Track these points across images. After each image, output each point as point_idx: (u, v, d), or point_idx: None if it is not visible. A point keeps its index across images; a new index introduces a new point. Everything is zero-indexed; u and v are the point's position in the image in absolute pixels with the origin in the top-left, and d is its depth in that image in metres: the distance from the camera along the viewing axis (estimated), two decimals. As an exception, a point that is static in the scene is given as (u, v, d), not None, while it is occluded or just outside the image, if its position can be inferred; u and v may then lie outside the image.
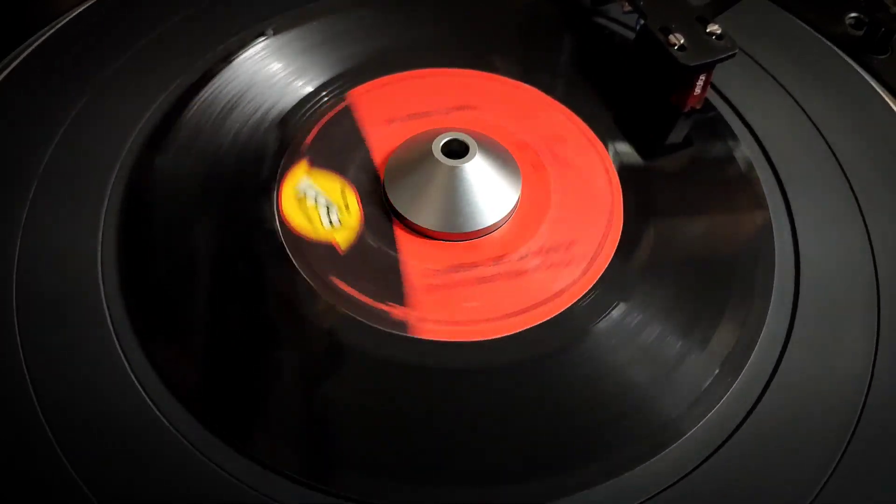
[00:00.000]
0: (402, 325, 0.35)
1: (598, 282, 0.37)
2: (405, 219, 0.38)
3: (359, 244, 0.38)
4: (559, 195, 0.40)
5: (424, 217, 0.38)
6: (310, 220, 0.37)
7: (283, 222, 0.38)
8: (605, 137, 0.42)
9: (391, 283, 0.37)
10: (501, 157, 0.40)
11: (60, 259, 0.37)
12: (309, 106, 0.43)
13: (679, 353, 0.35)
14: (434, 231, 0.38)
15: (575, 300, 0.36)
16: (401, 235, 0.38)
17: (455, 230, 0.38)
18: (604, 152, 0.42)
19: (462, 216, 0.38)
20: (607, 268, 0.37)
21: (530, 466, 0.32)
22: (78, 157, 0.40)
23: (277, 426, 0.33)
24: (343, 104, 0.43)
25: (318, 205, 0.37)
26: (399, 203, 0.38)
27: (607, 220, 0.39)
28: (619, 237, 0.39)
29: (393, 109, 0.43)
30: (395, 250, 0.38)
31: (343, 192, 0.38)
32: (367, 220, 0.38)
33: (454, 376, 0.34)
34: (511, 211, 0.39)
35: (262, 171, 0.40)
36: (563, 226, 0.39)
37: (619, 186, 0.41)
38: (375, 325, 0.35)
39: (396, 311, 0.36)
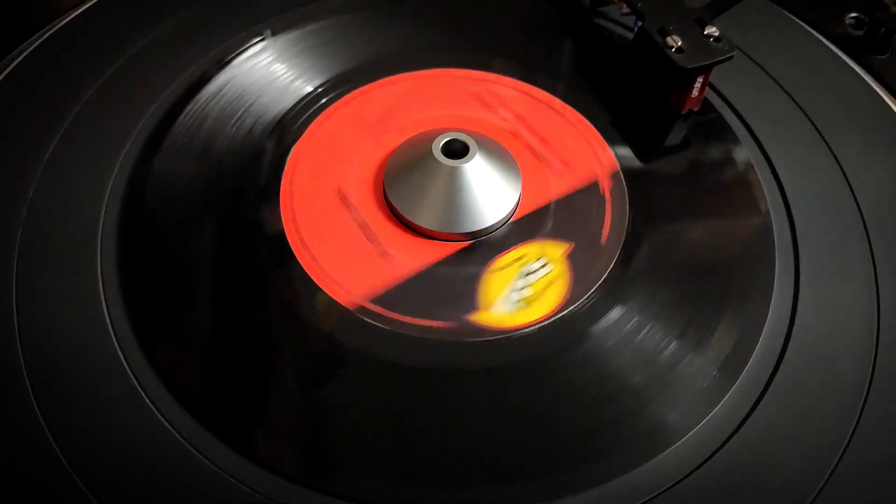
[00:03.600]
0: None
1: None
2: (405, 219, 0.38)
3: (577, 237, 0.39)
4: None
5: (424, 217, 0.38)
6: (557, 276, 0.36)
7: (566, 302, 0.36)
8: (605, 138, 0.42)
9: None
10: (501, 157, 0.40)
11: (60, 260, 0.37)
12: (307, 106, 0.43)
13: (678, 354, 0.35)
14: (434, 231, 0.38)
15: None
16: (556, 215, 0.39)
17: (455, 230, 0.38)
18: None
19: (462, 216, 0.38)
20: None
21: (530, 467, 0.32)
22: (77, 157, 0.40)
23: (277, 427, 0.33)
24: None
25: (535, 273, 0.36)
26: (399, 203, 0.38)
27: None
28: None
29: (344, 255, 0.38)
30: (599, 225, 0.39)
31: (510, 259, 0.37)
32: (531, 230, 0.39)
33: (454, 376, 0.34)
34: (511, 211, 0.39)
35: (261, 172, 0.40)
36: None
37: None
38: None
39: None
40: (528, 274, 0.37)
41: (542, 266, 0.37)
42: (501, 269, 0.37)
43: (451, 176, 0.38)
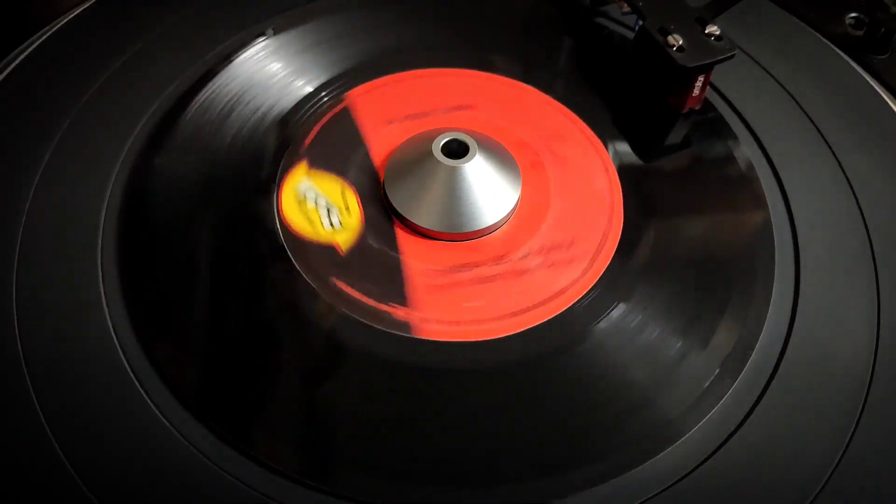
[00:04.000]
0: (404, 325, 0.35)
1: (598, 282, 0.37)
2: (405, 219, 0.38)
3: (360, 246, 0.38)
4: (559, 195, 0.40)
5: (424, 217, 0.38)
6: (311, 221, 0.37)
7: (283, 224, 0.38)
8: (605, 137, 0.42)
9: (393, 284, 0.37)
10: (501, 157, 0.40)
11: (60, 259, 0.37)
12: (309, 106, 0.43)
13: (679, 353, 0.35)
14: (434, 231, 0.38)
15: (575, 300, 0.36)
16: (402, 236, 0.38)
17: (455, 230, 0.38)
18: (604, 152, 0.42)
19: (462, 216, 0.38)
20: (607, 268, 0.38)
21: (530, 466, 0.32)
22: (78, 157, 0.40)
23: (277, 426, 0.33)
24: (342, 105, 0.43)
25: (318, 207, 0.37)
26: (399, 203, 0.38)
27: (607, 220, 0.39)
28: (619, 237, 0.39)
29: (391, 110, 0.43)
30: (397, 251, 0.38)
31: (343, 194, 0.38)
32: (368, 221, 0.38)
33: (454, 376, 0.34)
34: (511, 211, 0.39)
35: (262, 171, 0.40)
36: (563, 226, 0.39)
37: (620, 186, 0.41)
38: (376, 326, 0.35)
39: (399, 312, 0.36)
40: (327, 208, 0.37)
41: (335, 214, 0.37)
42: (342, 195, 0.38)
43: (451, 176, 0.38)
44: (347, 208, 0.37)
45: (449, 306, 0.36)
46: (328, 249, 0.37)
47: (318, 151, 0.41)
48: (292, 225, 0.37)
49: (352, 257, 0.37)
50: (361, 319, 0.35)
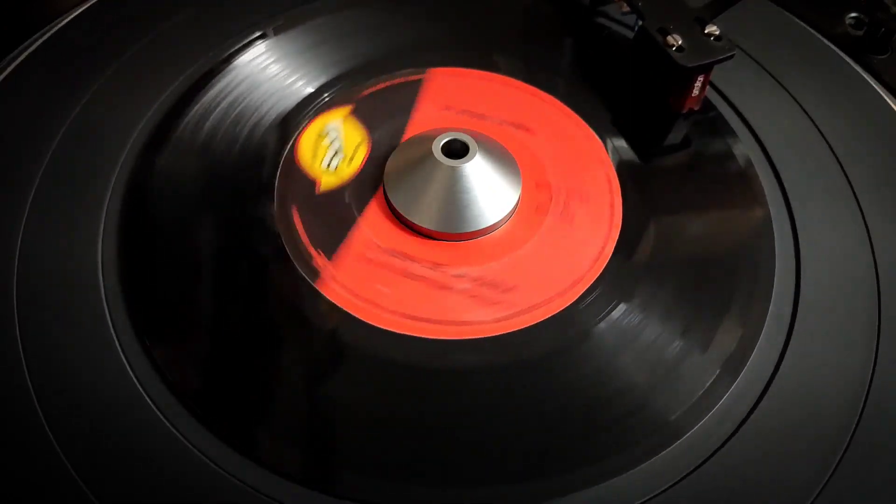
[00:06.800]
0: (315, 272, 0.37)
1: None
2: (405, 218, 0.38)
3: (335, 194, 0.40)
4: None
5: (424, 217, 0.38)
6: (315, 155, 0.39)
7: (293, 148, 0.40)
8: (605, 137, 0.42)
9: (334, 236, 0.38)
10: (501, 157, 0.40)
11: (61, 260, 0.37)
12: (310, 106, 0.43)
13: (679, 353, 0.35)
14: (434, 231, 0.38)
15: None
16: (374, 206, 0.39)
17: (455, 230, 0.38)
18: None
19: (462, 216, 0.38)
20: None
21: (530, 467, 0.32)
22: (78, 158, 0.40)
23: (278, 428, 0.33)
24: (420, 76, 0.44)
25: (330, 146, 0.39)
26: (399, 203, 0.38)
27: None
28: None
29: (455, 99, 0.44)
30: (360, 213, 0.39)
31: (357, 147, 0.39)
32: (357, 180, 0.40)
33: (455, 377, 0.34)
34: (511, 211, 0.39)
35: (262, 171, 0.40)
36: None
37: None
38: (295, 263, 0.37)
39: (319, 260, 0.37)
40: (336, 151, 0.40)
41: (337, 160, 0.40)
42: (355, 148, 0.40)
43: (451, 176, 0.38)
44: (351, 160, 0.39)
45: (362, 279, 0.37)
46: (310, 182, 0.40)
47: (369, 105, 0.43)
48: (298, 150, 0.40)
49: (322, 199, 0.39)
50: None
